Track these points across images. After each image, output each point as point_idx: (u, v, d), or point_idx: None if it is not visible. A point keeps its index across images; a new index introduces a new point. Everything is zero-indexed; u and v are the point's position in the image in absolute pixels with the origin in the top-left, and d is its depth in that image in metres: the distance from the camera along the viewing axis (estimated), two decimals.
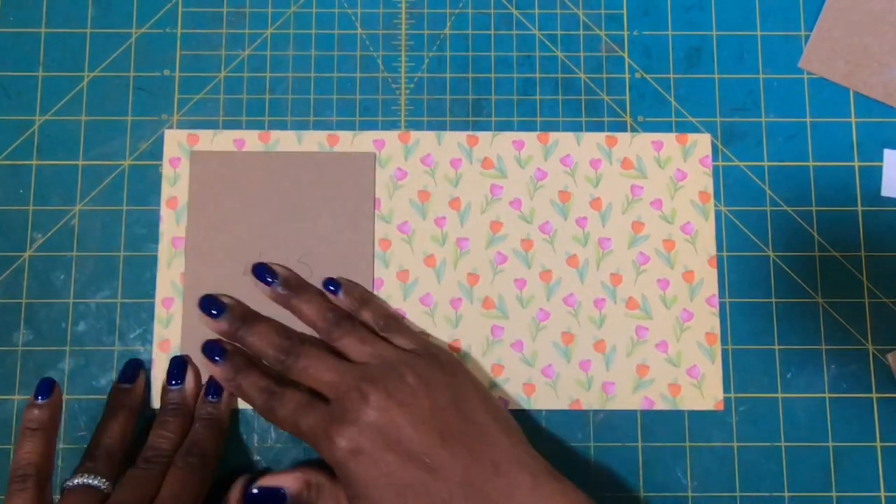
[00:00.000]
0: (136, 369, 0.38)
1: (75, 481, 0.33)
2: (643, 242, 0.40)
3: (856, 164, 0.41)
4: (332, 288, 0.38)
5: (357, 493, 0.33)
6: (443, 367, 0.36)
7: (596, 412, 0.39)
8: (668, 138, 0.41)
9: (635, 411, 0.39)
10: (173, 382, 0.37)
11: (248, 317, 0.37)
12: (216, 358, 0.36)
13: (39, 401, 0.36)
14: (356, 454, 0.32)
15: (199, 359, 0.37)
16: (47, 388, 0.36)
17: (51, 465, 0.34)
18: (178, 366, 0.38)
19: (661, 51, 0.42)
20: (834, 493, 0.38)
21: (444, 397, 0.34)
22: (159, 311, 0.39)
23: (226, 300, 0.38)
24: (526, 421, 0.39)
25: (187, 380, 0.37)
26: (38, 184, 0.40)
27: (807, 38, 0.42)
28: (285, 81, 0.42)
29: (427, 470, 0.32)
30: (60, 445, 0.38)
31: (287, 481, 0.35)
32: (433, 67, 0.42)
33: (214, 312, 0.37)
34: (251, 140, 0.41)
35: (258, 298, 0.39)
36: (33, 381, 0.38)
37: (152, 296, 0.39)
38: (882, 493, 0.38)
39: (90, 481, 0.33)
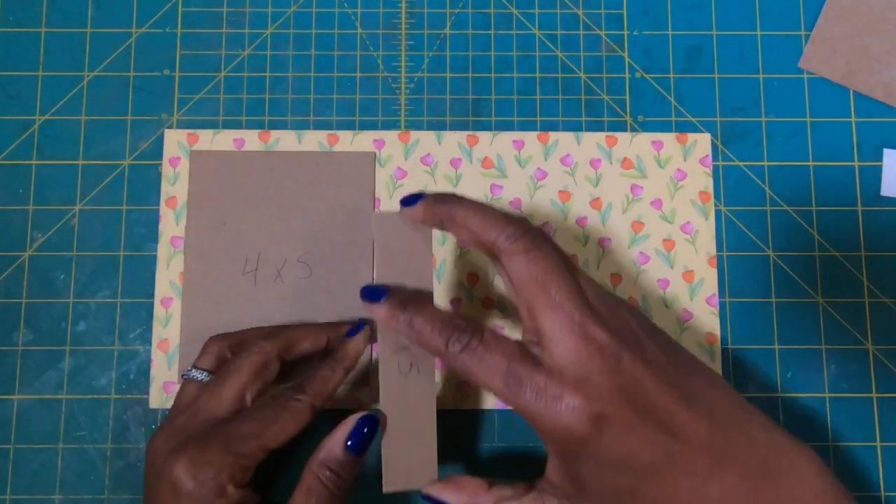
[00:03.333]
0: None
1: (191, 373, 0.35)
2: (643, 242, 0.40)
3: (856, 164, 0.41)
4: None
5: (583, 471, 0.28)
6: (644, 321, 0.31)
7: None
8: (668, 138, 0.41)
9: None
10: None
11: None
12: (380, 298, 0.31)
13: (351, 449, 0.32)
14: (601, 424, 0.27)
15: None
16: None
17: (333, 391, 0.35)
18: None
19: (661, 51, 0.42)
20: None
21: (668, 343, 0.30)
22: (158, 310, 0.39)
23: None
24: (525, 421, 0.38)
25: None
26: (38, 184, 0.40)
27: (807, 38, 0.42)
28: (285, 81, 0.42)
29: (673, 438, 0.28)
30: (60, 445, 0.38)
31: (453, 498, 0.31)
32: (433, 67, 0.42)
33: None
34: (251, 140, 0.41)
35: (256, 298, 0.39)
36: (33, 380, 0.39)
37: (152, 295, 0.39)
38: (882, 493, 0.38)
39: (195, 375, 0.35)
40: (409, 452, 0.33)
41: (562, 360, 0.28)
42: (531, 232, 0.30)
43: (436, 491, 0.31)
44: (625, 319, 0.30)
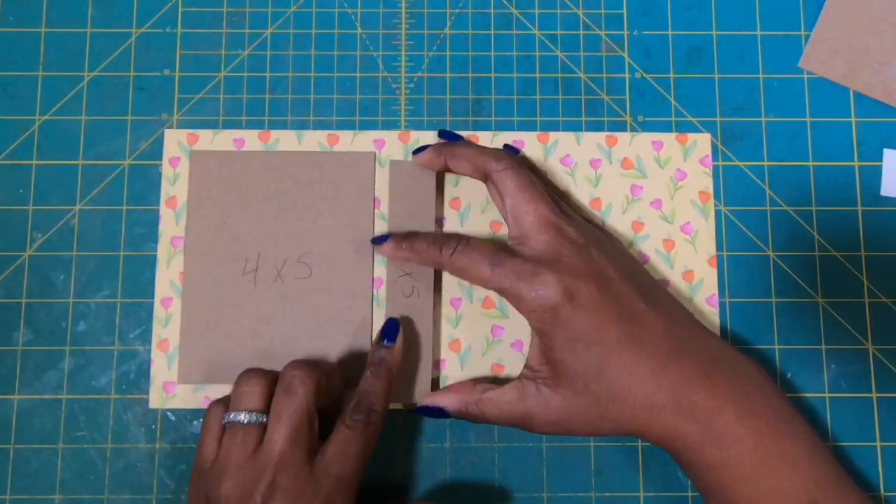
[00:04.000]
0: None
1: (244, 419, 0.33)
2: (643, 242, 0.40)
3: (856, 163, 0.41)
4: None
5: (557, 346, 0.33)
6: (613, 241, 0.39)
7: None
8: (668, 138, 0.41)
9: None
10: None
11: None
12: (382, 240, 0.37)
13: (386, 343, 0.36)
14: (571, 296, 0.32)
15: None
16: (394, 331, 0.36)
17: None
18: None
19: (661, 51, 0.42)
20: None
21: (631, 260, 0.37)
22: (158, 310, 0.39)
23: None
24: None
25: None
26: (38, 184, 0.40)
27: (807, 38, 0.42)
28: (285, 81, 0.42)
29: (634, 324, 0.33)
30: (60, 445, 0.38)
31: (444, 401, 0.36)
32: (433, 67, 0.42)
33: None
34: (251, 140, 0.41)
35: (256, 298, 0.39)
36: (33, 380, 0.39)
37: (152, 295, 0.39)
38: (882, 493, 0.38)
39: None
40: (407, 368, 0.38)
41: (539, 248, 0.34)
42: (513, 157, 0.37)
43: (430, 400, 0.36)
44: (595, 233, 0.37)
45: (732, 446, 0.31)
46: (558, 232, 0.34)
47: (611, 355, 0.32)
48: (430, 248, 0.35)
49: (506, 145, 0.40)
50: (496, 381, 0.37)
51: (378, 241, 0.37)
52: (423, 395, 0.37)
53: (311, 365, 0.34)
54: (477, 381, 0.37)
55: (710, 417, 0.32)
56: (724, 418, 0.31)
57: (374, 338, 0.37)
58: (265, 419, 0.32)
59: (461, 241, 0.35)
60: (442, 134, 0.40)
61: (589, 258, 0.34)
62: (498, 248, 0.34)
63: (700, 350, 0.33)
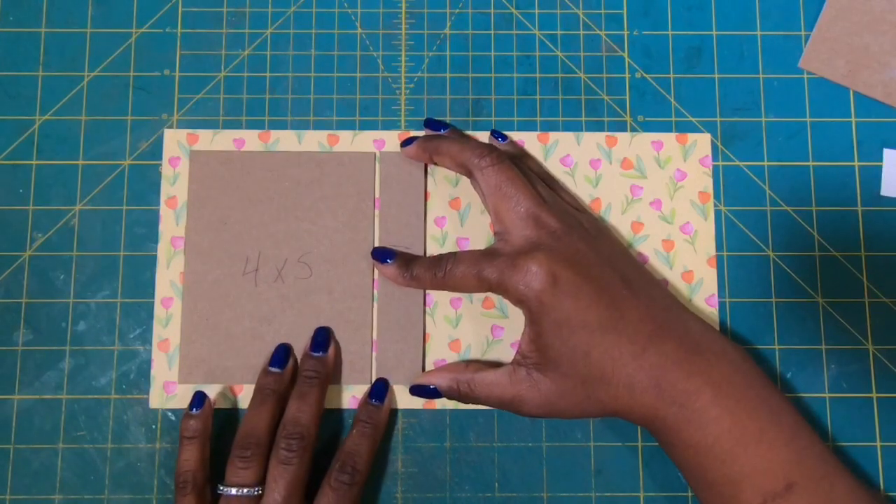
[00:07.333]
0: (287, 354, 0.38)
1: (232, 491, 0.34)
2: (642, 242, 0.40)
3: (856, 163, 0.41)
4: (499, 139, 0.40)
5: (545, 332, 0.33)
6: (599, 227, 0.39)
7: None
8: (668, 138, 0.41)
9: None
10: (316, 352, 0.38)
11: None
12: (387, 260, 0.38)
13: (194, 412, 0.37)
14: (554, 282, 0.33)
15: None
16: (200, 400, 0.37)
17: (207, 469, 0.36)
18: (323, 335, 0.38)
19: (661, 51, 0.42)
20: None
21: (615, 245, 0.38)
22: (159, 310, 0.39)
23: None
24: (525, 421, 0.39)
25: (329, 350, 0.38)
26: (38, 184, 0.40)
27: (807, 38, 0.42)
28: (285, 81, 0.42)
29: (614, 308, 0.33)
30: (60, 445, 0.38)
31: (437, 380, 0.37)
32: (433, 67, 0.42)
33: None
34: (251, 140, 0.41)
35: (256, 298, 0.39)
36: (33, 380, 0.39)
37: (152, 295, 0.39)
38: (882, 493, 0.38)
39: (243, 493, 0.34)
40: (398, 350, 0.39)
41: (518, 242, 0.35)
42: (496, 152, 0.37)
43: (422, 380, 0.37)
44: (576, 218, 0.37)
45: (709, 427, 0.32)
46: (537, 223, 0.35)
47: (594, 338, 0.33)
48: (426, 274, 0.37)
49: (493, 131, 0.40)
50: (488, 365, 0.38)
51: (380, 258, 0.38)
52: (415, 377, 0.38)
53: (306, 436, 0.35)
54: (469, 362, 0.38)
55: (688, 399, 0.32)
56: (701, 400, 0.32)
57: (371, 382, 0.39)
58: (257, 491, 0.34)
59: (449, 260, 0.36)
60: (427, 123, 0.40)
61: (567, 244, 0.35)
62: (482, 254, 0.36)
63: (681, 333, 0.34)
